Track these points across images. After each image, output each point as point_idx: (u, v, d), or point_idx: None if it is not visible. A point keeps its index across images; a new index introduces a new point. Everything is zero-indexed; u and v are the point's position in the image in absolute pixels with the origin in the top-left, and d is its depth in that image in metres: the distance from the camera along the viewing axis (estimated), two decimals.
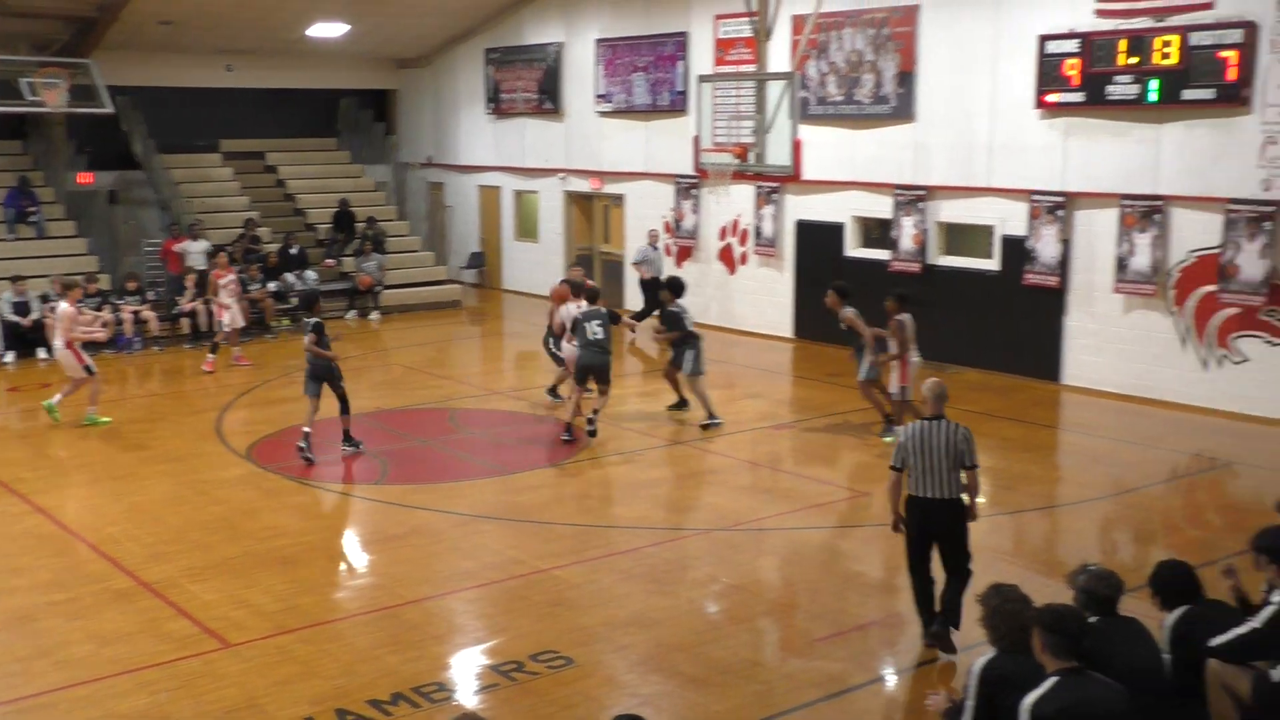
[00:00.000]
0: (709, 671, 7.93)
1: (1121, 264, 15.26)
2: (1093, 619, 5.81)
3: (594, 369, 13.74)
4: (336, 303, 22.86)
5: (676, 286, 14.60)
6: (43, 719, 7.45)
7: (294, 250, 22.72)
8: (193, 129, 25.18)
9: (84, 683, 7.90)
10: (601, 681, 7.88)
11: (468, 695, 7.73)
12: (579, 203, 24.01)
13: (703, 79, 18.72)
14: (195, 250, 21.39)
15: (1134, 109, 14.88)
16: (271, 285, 21.55)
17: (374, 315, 22.73)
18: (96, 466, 13.29)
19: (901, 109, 17.58)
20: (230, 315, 18.38)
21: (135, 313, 19.71)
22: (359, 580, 10.00)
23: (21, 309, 19.01)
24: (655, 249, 20.74)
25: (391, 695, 7.60)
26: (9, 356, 18.67)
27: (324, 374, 13.07)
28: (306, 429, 12.97)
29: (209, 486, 12.16)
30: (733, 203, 20.10)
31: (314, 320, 13.12)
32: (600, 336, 13.69)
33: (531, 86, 24.09)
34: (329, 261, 23.51)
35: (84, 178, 22.54)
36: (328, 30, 23.96)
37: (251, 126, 26.17)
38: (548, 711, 7.43)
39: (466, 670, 8.13)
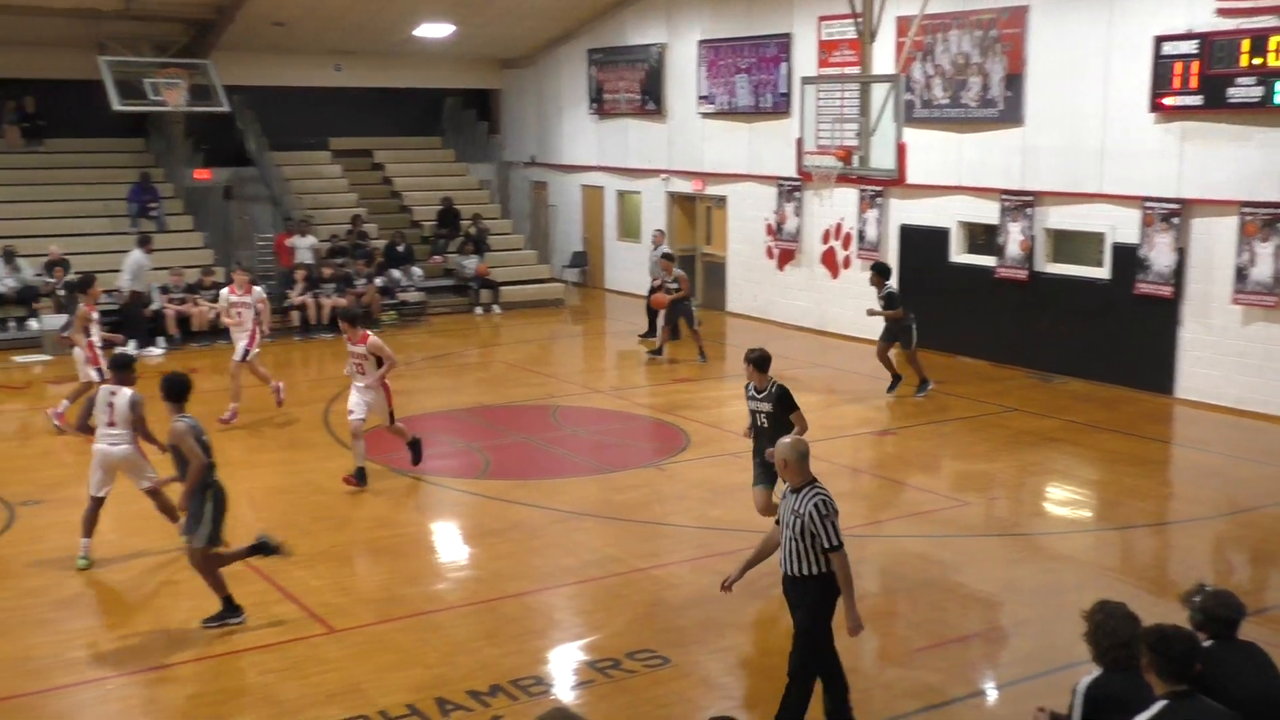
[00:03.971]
0: None
1: (1241, 274, 14.81)
2: (1208, 642, 5.63)
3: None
4: (450, 299, 23.21)
5: (886, 270, 15.83)
6: (164, 691, 7.73)
7: (400, 247, 23.12)
8: (303, 127, 25.72)
9: (200, 659, 8.15)
10: (697, 682, 7.90)
11: (565, 691, 7.79)
12: (681, 204, 24.03)
13: (806, 81, 18.58)
14: (303, 245, 21.86)
15: (1257, 112, 14.41)
16: (378, 281, 21.94)
17: (495, 309, 23.08)
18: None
19: (1009, 112, 17.29)
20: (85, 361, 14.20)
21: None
22: (459, 573, 10.13)
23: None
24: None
25: (490, 687, 7.69)
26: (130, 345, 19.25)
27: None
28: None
29: (315, 476, 12.42)
30: (836, 206, 19.96)
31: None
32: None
33: (634, 87, 24.18)
34: (435, 258, 23.85)
35: (201, 174, 23.19)
36: (434, 31, 24.31)
37: (360, 125, 26.65)
38: (643, 710, 7.46)
39: (564, 666, 8.20)
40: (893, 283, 15.94)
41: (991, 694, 7.90)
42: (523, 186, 28.03)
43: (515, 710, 7.41)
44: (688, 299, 18.27)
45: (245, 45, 23.42)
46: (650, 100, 23.79)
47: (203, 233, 22.58)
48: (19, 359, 18.45)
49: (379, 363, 12.01)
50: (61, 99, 22.98)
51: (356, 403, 12.02)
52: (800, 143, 18.86)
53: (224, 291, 15.54)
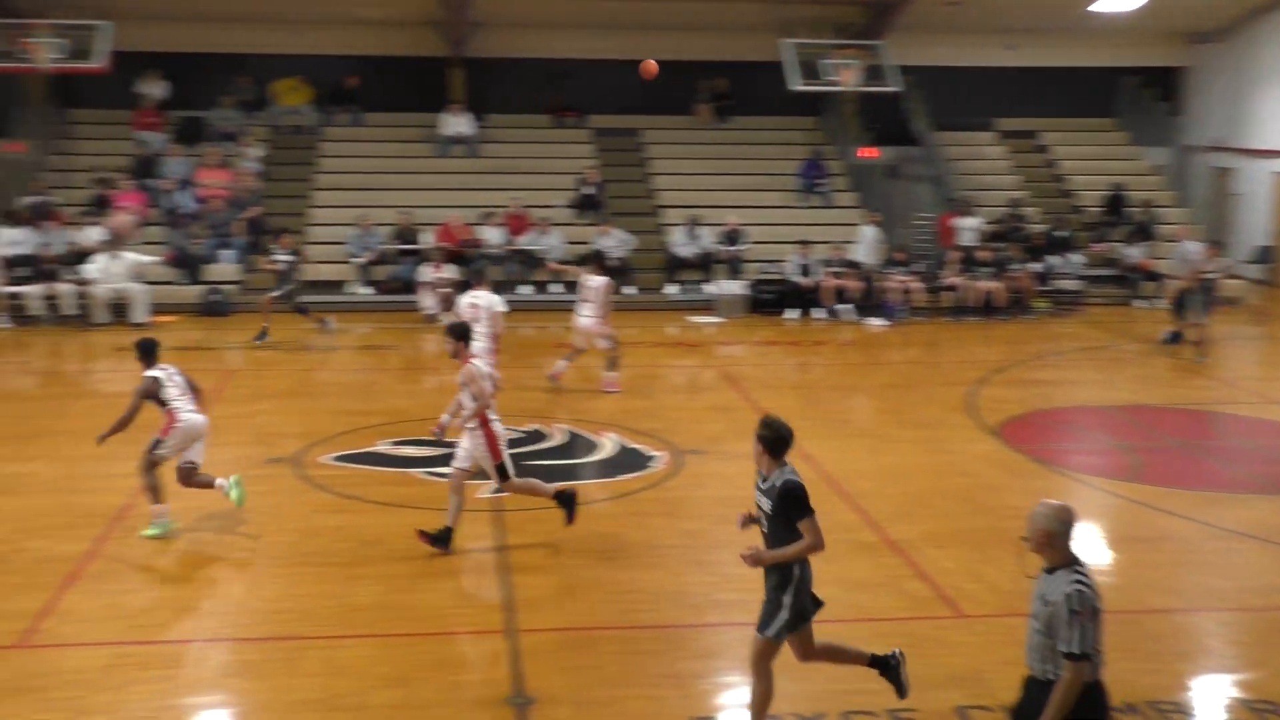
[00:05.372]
0: None
1: None
2: None
3: None
4: (1109, 289, 22.12)
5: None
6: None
7: (1061, 233, 22.32)
8: (969, 107, 25.60)
9: (829, 621, 8.44)
10: None
11: None
12: None
13: None
14: (967, 226, 21.84)
15: None
16: (1035, 266, 21.36)
17: (1159, 302, 21.76)
18: (855, 423, 14.12)
19: None
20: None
21: (902, 283, 20.59)
22: (1100, 578, 9.51)
23: (805, 271, 20.71)
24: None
25: (1123, 703, 7.21)
26: (793, 314, 20.41)
27: None
28: None
29: (955, 458, 12.37)
30: None
31: None
32: None
33: None
34: (1097, 246, 22.74)
35: (868, 152, 23.91)
36: (1117, 4, 23.05)
37: (1025, 105, 26.01)
38: None
39: (1211, 697, 7.49)
40: None
41: None
42: (1203, 173, 25.82)
43: None
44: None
45: (918, 25, 23.74)
46: None
47: (865, 210, 23.31)
48: (694, 319, 20.22)
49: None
50: (748, 79, 24.79)
51: (461, 450, 9.58)
52: None
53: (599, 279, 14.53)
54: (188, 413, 9.73)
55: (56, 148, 22.94)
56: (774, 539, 6.47)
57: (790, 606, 6.48)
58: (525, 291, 21.02)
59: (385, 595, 8.75)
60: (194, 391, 9.92)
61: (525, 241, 21.30)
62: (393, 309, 20.11)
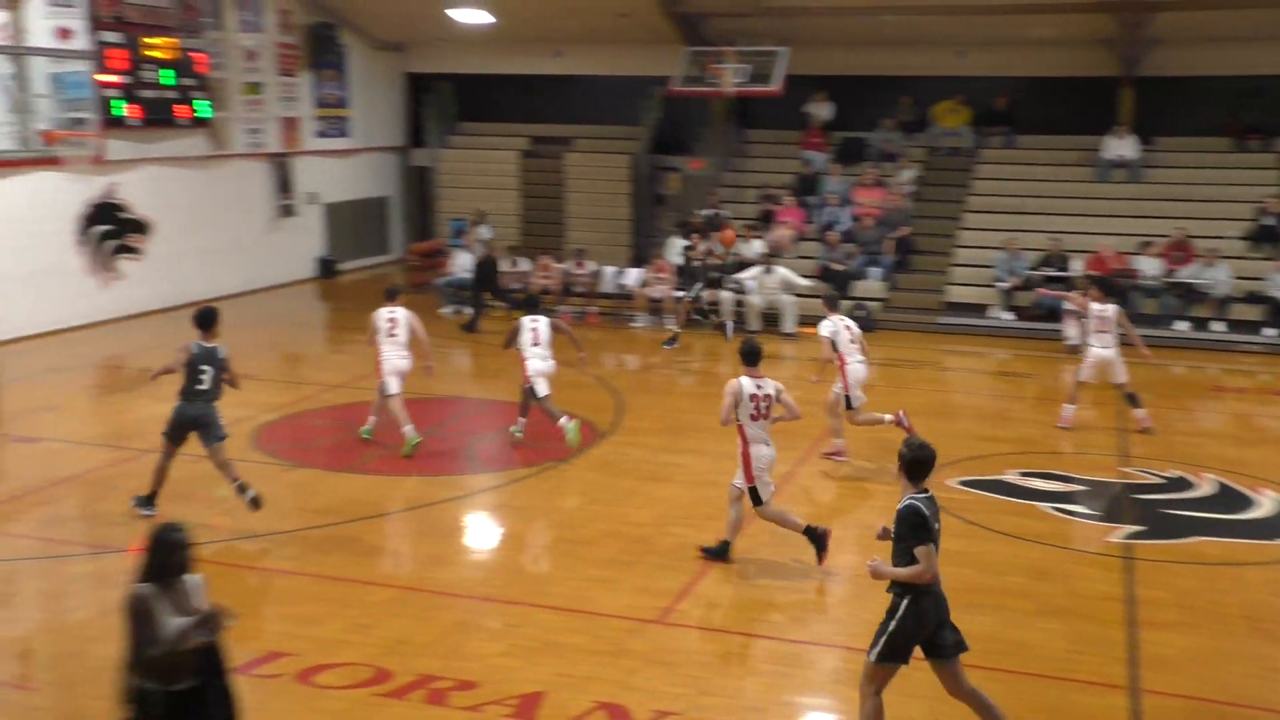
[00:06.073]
0: None
1: None
2: None
3: None
4: None
5: None
6: None
7: None
8: None
9: None
10: None
11: None
12: None
13: None
14: None
15: None
16: None
17: None
18: None
19: None
20: None
21: None
22: None
23: None
24: None
25: None
26: None
27: None
28: None
29: None
30: None
31: None
32: None
33: None
34: None
35: None
36: None
37: None
38: None
39: None
40: None
41: None
42: None
43: None
44: None
45: None
46: None
47: None
48: None
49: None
50: None
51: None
52: None
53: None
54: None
55: (731, 165, 24.92)
56: (895, 559, 6.53)
57: (890, 634, 6.48)
58: (1181, 328, 19.46)
59: (999, 628, 8.52)
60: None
61: (1187, 274, 19.74)
62: (1034, 336, 19.53)
